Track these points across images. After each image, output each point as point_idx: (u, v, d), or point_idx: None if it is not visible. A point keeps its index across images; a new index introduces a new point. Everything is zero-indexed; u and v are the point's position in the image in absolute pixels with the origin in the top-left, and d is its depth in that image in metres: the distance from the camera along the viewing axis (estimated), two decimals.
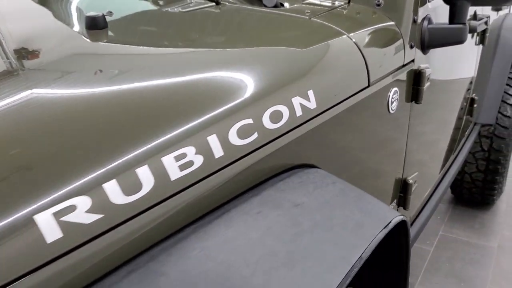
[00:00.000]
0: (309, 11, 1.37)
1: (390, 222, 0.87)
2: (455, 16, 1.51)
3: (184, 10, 1.37)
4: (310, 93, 1.02)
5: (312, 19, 1.29)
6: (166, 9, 1.39)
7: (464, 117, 2.54)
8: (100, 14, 1.11)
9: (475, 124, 2.85)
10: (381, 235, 0.83)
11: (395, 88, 1.38)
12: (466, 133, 2.70)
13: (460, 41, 1.53)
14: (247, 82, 0.93)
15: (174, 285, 0.65)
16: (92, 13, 1.11)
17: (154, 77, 0.89)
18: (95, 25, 1.11)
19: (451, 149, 2.40)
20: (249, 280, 0.65)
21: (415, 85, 1.52)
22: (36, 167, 0.65)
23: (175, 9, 1.37)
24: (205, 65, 0.96)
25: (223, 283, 0.64)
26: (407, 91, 1.49)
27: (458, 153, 2.55)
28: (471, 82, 2.54)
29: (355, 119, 1.21)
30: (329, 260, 0.73)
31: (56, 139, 0.69)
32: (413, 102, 1.55)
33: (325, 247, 0.76)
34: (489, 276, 2.77)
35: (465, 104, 2.50)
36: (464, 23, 1.51)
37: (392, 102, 1.38)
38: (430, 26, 1.54)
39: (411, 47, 1.46)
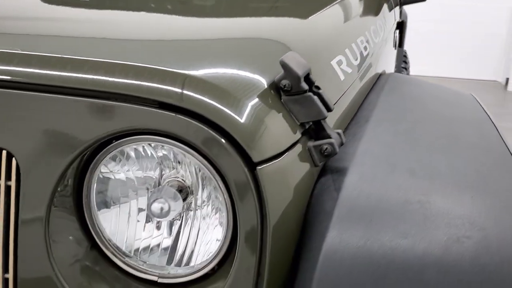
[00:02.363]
0: None
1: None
2: None
3: None
4: (383, 22, 1.38)
5: None
6: None
7: None
8: None
9: None
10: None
11: (397, 31, 1.80)
12: None
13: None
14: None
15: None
16: None
17: None
18: None
19: None
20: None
21: (400, 33, 1.95)
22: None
23: None
24: None
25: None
26: (395, 37, 1.92)
27: None
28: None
29: (387, 48, 1.59)
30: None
31: None
32: (398, 47, 1.98)
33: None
34: None
35: None
36: None
37: (396, 41, 1.79)
38: None
39: (397, 4, 1.89)
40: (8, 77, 0.65)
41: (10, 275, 0.69)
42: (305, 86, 0.68)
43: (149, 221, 0.71)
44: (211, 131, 0.62)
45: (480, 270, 0.59)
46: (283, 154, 0.66)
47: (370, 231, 0.61)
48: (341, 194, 0.67)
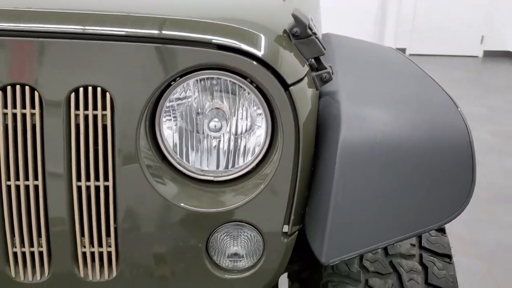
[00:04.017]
0: None
1: None
2: None
3: None
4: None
5: None
6: None
7: None
8: None
9: None
10: None
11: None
12: None
13: None
14: None
15: None
16: None
17: None
18: None
19: None
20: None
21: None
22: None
23: None
24: None
25: None
26: None
27: None
28: None
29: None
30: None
31: None
32: None
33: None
34: None
35: None
36: None
37: None
38: None
39: None
40: (107, 32, 0.86)
41: (110, 183, 0.91)
42: (309, 31, 0.97)
43: (205, 138, 0.97)
44: (257, 64, 0.89)
45: (432, 144, 0.94)
46: (301, 80, 0.95)
47: (366, 124, 0.94)
48: (341, 105, 0.98)
